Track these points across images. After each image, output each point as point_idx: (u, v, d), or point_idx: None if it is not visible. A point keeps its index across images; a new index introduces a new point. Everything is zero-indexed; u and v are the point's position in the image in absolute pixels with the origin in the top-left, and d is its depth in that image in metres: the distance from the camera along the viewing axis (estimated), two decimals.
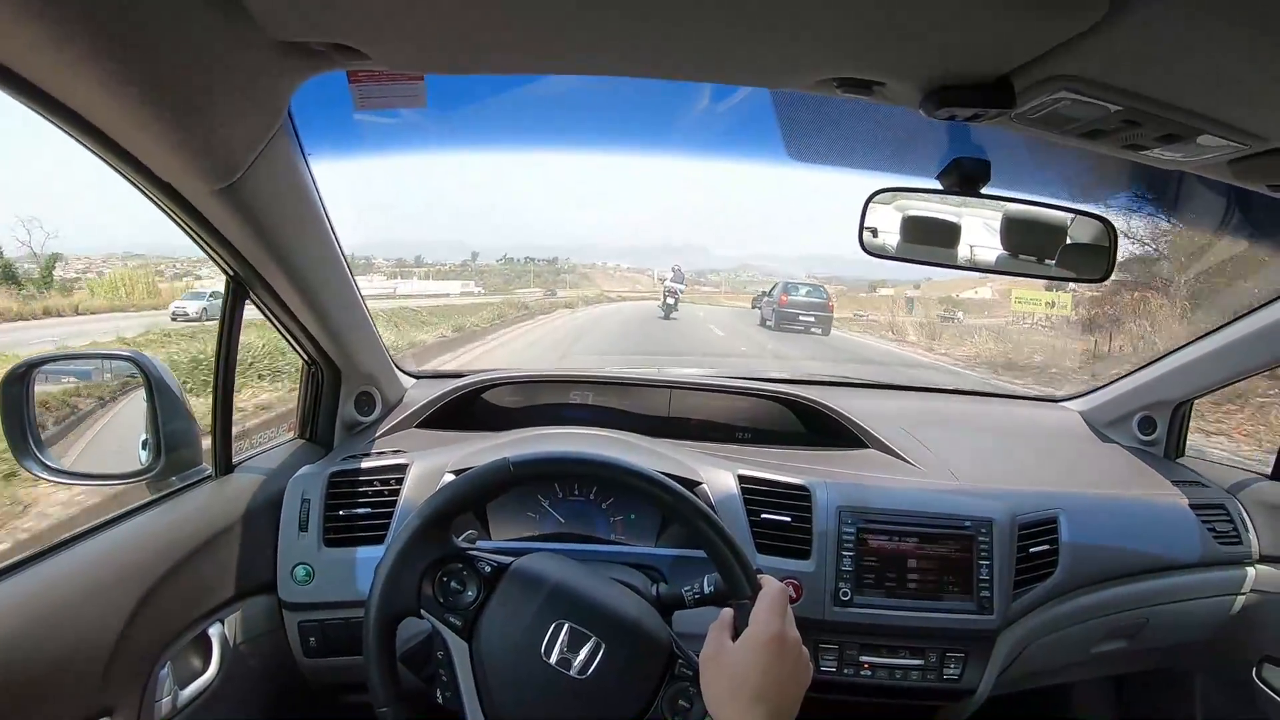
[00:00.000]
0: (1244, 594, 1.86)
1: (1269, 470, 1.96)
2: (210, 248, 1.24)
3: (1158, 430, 2.09)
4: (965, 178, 1.21)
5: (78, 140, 0.91)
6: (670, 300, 22.15)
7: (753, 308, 24.89)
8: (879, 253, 1.37)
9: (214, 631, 1.32)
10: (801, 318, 19.43)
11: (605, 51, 0.91)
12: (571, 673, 1.03)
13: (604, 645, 1.04)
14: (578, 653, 1.03)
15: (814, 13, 0.77)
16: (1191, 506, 1.84)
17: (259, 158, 1.06)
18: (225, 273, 1.34)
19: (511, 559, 1.12)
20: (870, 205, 1.35)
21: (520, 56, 0.94)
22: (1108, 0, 0.69)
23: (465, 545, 1.12)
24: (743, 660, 0.96)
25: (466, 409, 1.98)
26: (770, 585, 1.03)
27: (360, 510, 1.53)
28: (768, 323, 20.44)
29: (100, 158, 0.96)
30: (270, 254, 1.28)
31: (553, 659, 1.03)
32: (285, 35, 0.86)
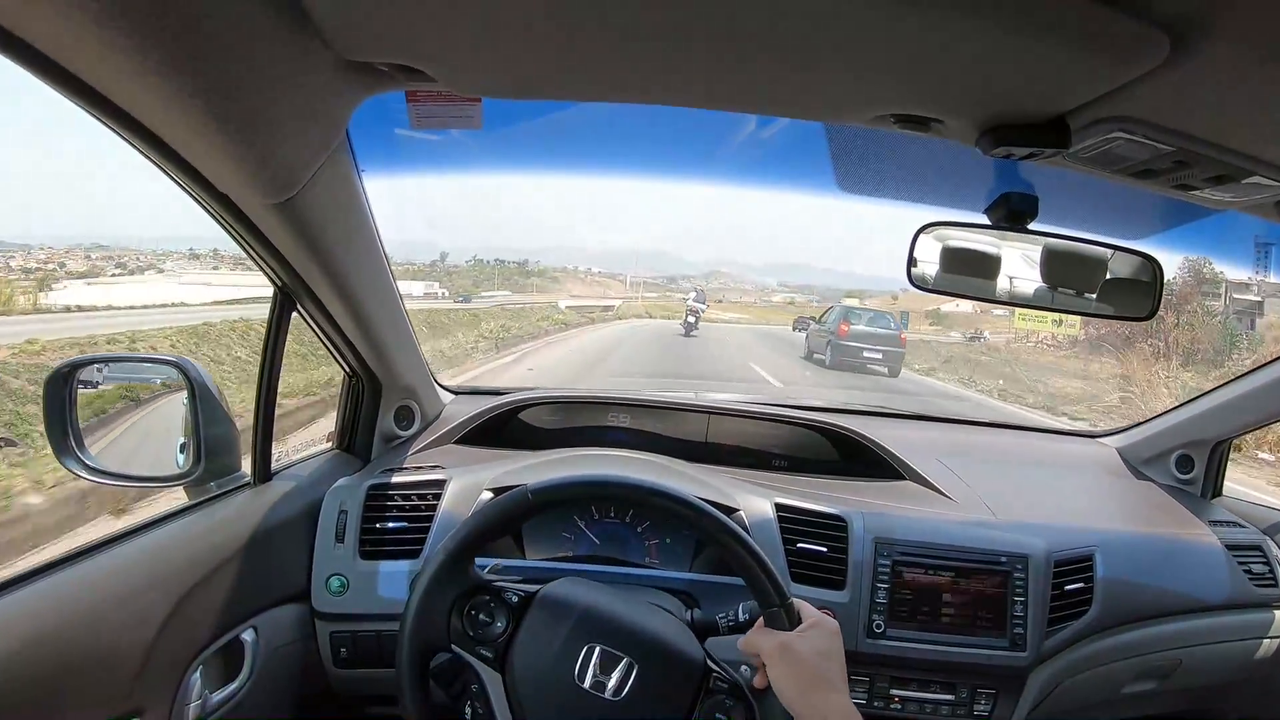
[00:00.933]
0: (1278, 637, 1.83)
1: None
2: (260, 258, 1.26)
3: (1195, 469, 2.06)
4: (1013, 213, 1.21)
5: (138, 149, 0.92)
6: (691, 319, 22.44)
7: (795, 330, 24.11)
8: (922, 285, 1.36)
9: (246, 638, 1.33)
10: (865, 353, 15.85)
11: (667, 82, 0.92)
12: (607, 695, 1.03)
13: (637, 665, 1.04)
14: (611, 675, 1.03)
15: (876, 51, 0.78)
16: (1228, 547, 1.82)
17: (317, 174, 1.08)
18: (273, 283, 1.36)
19: (538, 587, 1.12)
20: (916, 242, 1.35)
21: (582, 83, 0.95)
22: (1168, 45, 0.69)
23: (491, 576, 1.12)
24: (819, 643, 0.99)
25: (504, 427, 1.98)
26: (801, 602, 1.05)
27: (397, 524, 1.53)
28: (816, 355, 17.12)
29: (159, 167, 0.98)
30: (320, 267, 1.29)
31: (586, 683, 1.03)
32: (353, 55, 0.88)
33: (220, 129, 0.89)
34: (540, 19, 0.77)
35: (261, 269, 1.31)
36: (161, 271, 26.22)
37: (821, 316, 18.92)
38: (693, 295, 24.88)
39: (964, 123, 0.92)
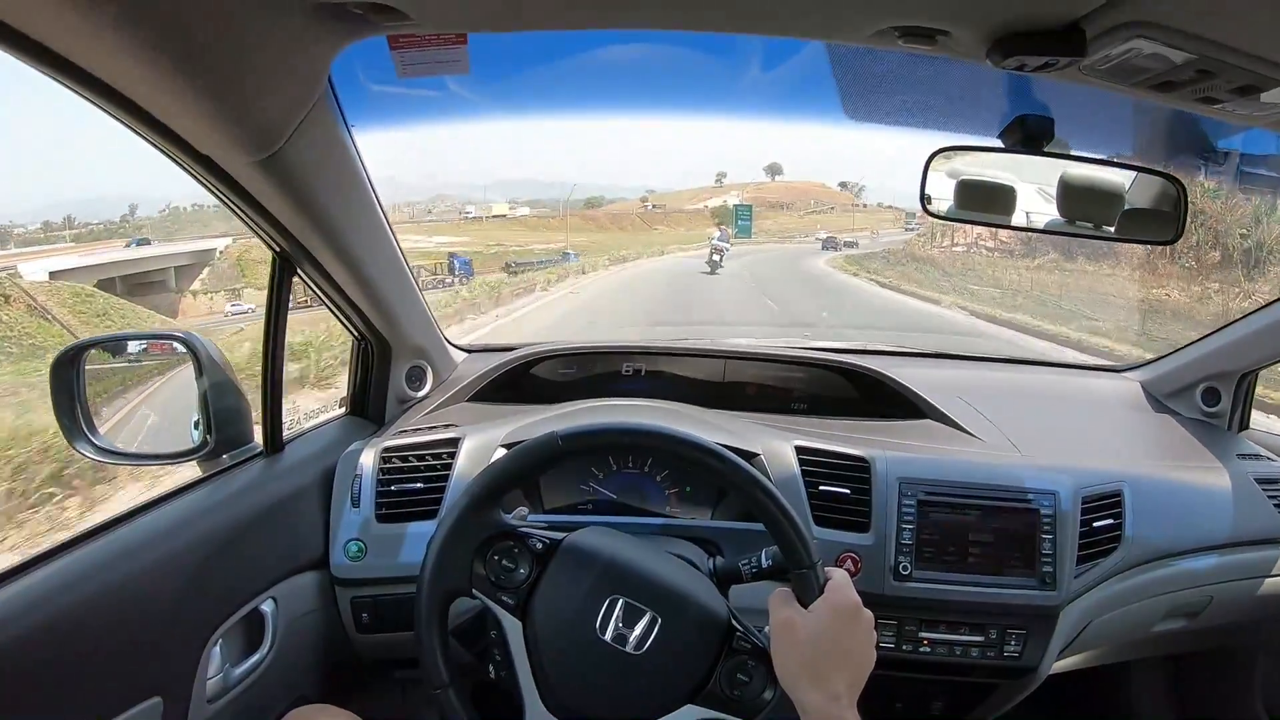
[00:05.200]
0: None
1: None
2: (254, 222, 1.24)
3: (1222, 402, 2.01)
4: (1029, 136, 1.18)
5: (112, 115, 0.91)
6: (716, 257, 23.31)
7: (824, 250, 23.10)
8: (936, 213, 1.33)
9: (266, 608, 1.33)
10: None
11: (656, 4, 0.88)
12: (628, 649, 1.01)
13: (660, 620, 1.03)
14: (633, 628, 1.02)
15: None
16: (1257, 481, 1.78)
17: (299, 128, 1.05)
18: (271, 248, 1.34)
19: (563, 535, 1.10)
20: (931, 171, 1.32)
21: (564, 10, 0.92)
22: None
23: (516, 522, 1.10)
24: (822, 628, 0.95)
25: (519, 382, 1.96)
26: (835, 571, 1.02)
27: (413, 485, 1.52)
28: None
29: (136, 132, 0.96)
30: (314, 227, 1.27)
31: (608, 635, 1.02)
32: None
33: (190, 85, 0.87)
34: None
35: (257, 234, 1.29)
36: None
37: None
38: (717, 235, 26.15)
39: (972, 33, 0.88)
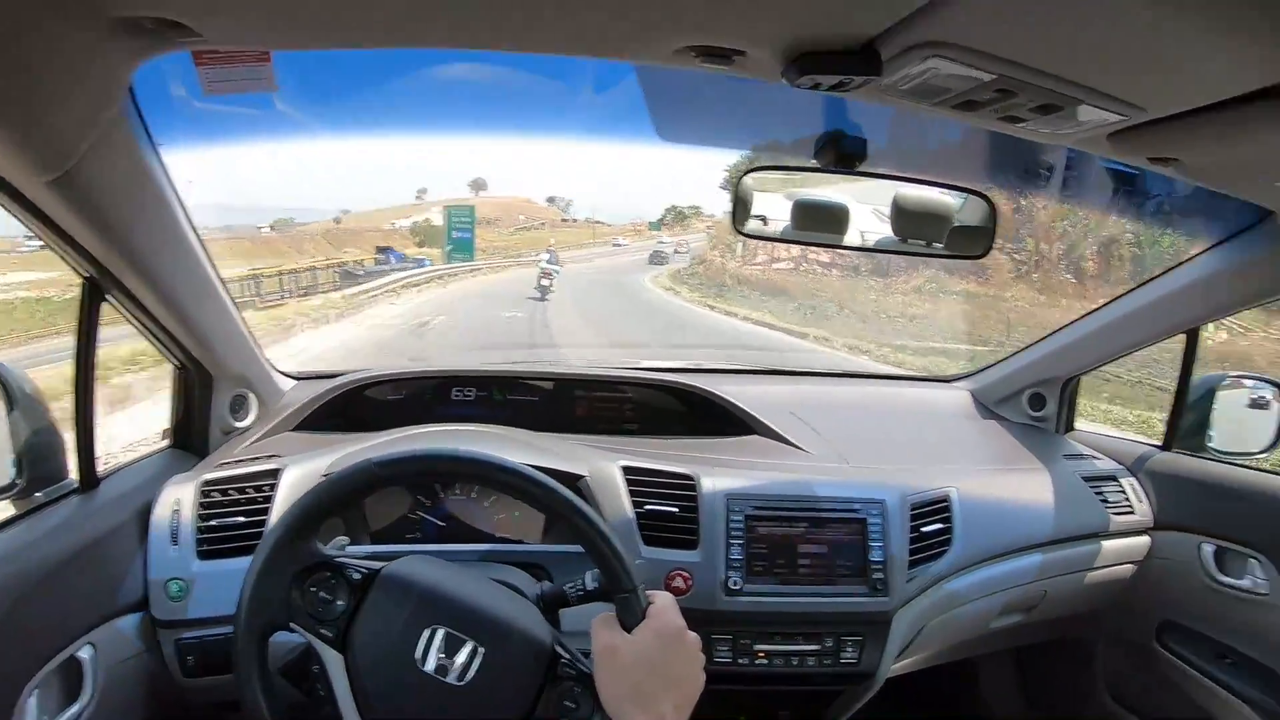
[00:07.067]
0: (1139, 562, 1.92)
1: (1159, 442, 2.02)
2: (55, 246, 1.18)
3: (1047, 406, 2.14)
4: (843, 155, 1.21)
5: None
6: (545, 282, 21.38)
7: (651, 264, 21.64)
8: (758, 235, 1.36)
9: (85, 655, 1.25)
10: None
11: (450, 22, 0.88)
12: (450, 679, 0.99)
13: (482, 649, 1.01)
14: (454, 658, 1.00)
15: None
16: (1083, 479, 1.90)
17: (94, 145, 1.00)
18: (78, 274, 1.27)
19: (382, 565, 1.08)
20: (756, 190, 1.34)
21: (359, 30, 0.91)
22: None
23: (333, 553, 1.07)
24: (647, 651, 0.96)
25: (347, 410, 1.91)
26: (659, 595, 1.03)
27: (234, 519, 1.46)
28: None
29: None
30: (119, 250, 1.22)
31: (429, 666, 1.00)
32: (111, 10, 0.81)
33: None
34: None
35: (62, 258, 1.22)
36: None
37: None
38: (545, 257, 23.54)
39: (767, 54, 0.90)
